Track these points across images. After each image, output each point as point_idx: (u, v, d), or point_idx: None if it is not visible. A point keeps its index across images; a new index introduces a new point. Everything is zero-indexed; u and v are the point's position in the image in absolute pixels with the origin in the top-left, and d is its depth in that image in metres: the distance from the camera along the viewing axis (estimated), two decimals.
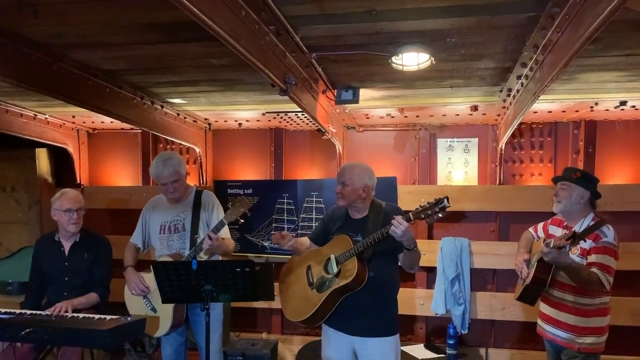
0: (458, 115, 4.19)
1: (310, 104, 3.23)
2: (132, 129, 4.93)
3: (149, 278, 3.15)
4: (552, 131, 4.36)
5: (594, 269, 2.67)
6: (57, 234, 3.42)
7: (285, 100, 2.86)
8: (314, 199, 4.43)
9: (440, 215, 2.43)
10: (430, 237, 4.44)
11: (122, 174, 5.18)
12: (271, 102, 3.88)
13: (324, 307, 2.68)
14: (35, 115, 4.30)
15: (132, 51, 2.76)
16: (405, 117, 4.29)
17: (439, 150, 4.54)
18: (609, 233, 2.74)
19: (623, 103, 3.70)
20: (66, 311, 3.03)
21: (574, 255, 2.76)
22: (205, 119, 4.68)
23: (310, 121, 4.22)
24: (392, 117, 4.31)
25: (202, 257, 3.19)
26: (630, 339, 4.00)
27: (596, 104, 3.76)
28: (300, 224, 4.46)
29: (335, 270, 2.67)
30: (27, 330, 2.62)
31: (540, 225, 3.19)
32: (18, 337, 2.66)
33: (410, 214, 2.48)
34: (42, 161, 4.86)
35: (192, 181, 4.87)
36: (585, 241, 2.70)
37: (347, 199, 2.74)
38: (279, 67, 2.55)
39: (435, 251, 4.26)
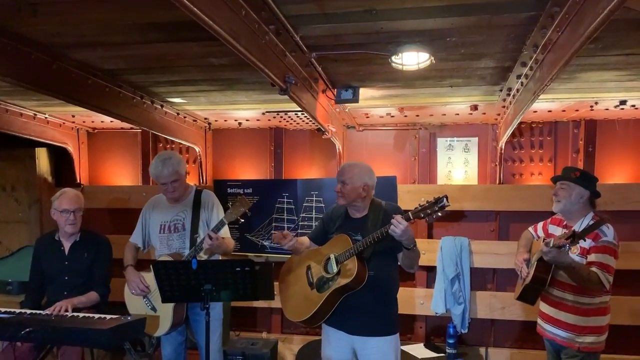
0: (458, 114, 4.19)
1: (310, 104, 3.23)
2: (132, 128, 4.93)
3: (149, 277, 3.14)
4: (552, 130, 4.36)
5: (594, 268, 2.67)
6: (57, 234, 3.42)
7: (285, 99, 2.86)
8: (314, 199, 4.43)
9: (439, 214, 2.43)
10: (430, 236, 4.44)
11: (122, 174, 5.18)
12: (271, 101, 3.88)
13: (324, 306, 2.68)
14: (35, 114, 4.30)
15: (132, 50, 2.76)
16: (405, 116, 4.29)
17: (438, 149, 4.54)
18: (608, 232, 2.74)
19: (623, 102, 3.70)
20: (66, 310, 3.03)
21: (574, 254, 2.77)
22: (205, 119, 4.67)
23: (310, 120, 4.22)
24: (392, 116, 4.31)
25: (202, 256, 3.19)
26: (630, 338, 4.00)
27: (596, 103, 3.76)
28: (300, 223, 4.46)
29: (335, 269, 2.67)
30: (27, 329, 2.62)
31: (540, 225, 3.19)
32: (18, 336, 2.67)
33: (409, 213, 2.48)
34: (42, 161, 4.86)
35: (192, 180, 4.88)
36: (584, 240, 2.70)
37: (347, 197, 2.74)
38: (278, 66, 2.54)
39: (435, 250, 4.26)
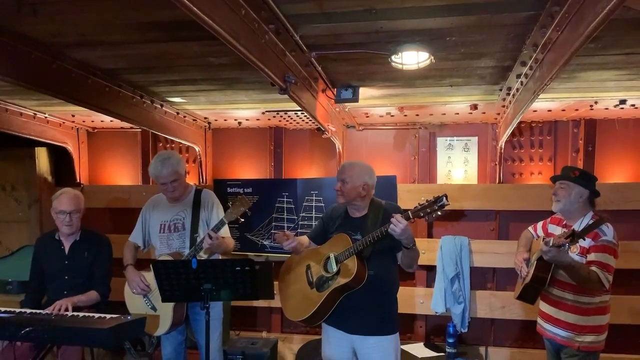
0: (458, 114, 4.19)
1: (310, 103, 3.23)
2: (131, 127, 4.93)
3: (150, 277, 3.14)
4: (551, 130, 4.36)
5: (594, 268, 2.67)
6: (58, 233, 3.42)
7: (285, 99, 2.86)
8: (314, 198, 4.43)
9: (439, 213, 2.43)
10: (430, 235, 4.44)
11: (121, 173, 5.18)
12: (271, 101, 3.88)
13: (324, 306, 2.68)
14: (35, 114, 4.30)
15: (132, 50, 2.75)
16: (405, 115, 4.29)
17: (438, 149, 4.54)
18: (608, 231, 2.74)
19: (623, 102, 3.70)
20: (66, 309, 3.04)
21: (574, 253, 2.77)
22: (205, 118, 4.67)
23: (310, 120, 4.22)
24: (392, 115, 4.31)
25: (202, 256, 3.19)
26: (630, 337, 4.00)
27: (596, 102, 3.76)
28: (300, 222, 4.46)
29: (334, 269, 2.67)
30: (27, 329, 2.62)
31: (539, 224, 3.19)
32: (18, 336, 2.66)
33: (409, 212, 2.48)
34: (42, 160, 4.86)
35: (191, 180, 4.88)
36: (584, 240, 2.70)
37: (347, 196, 2.74)
38: (278, 66, 2.54)
39: (435, 250, 4.26)
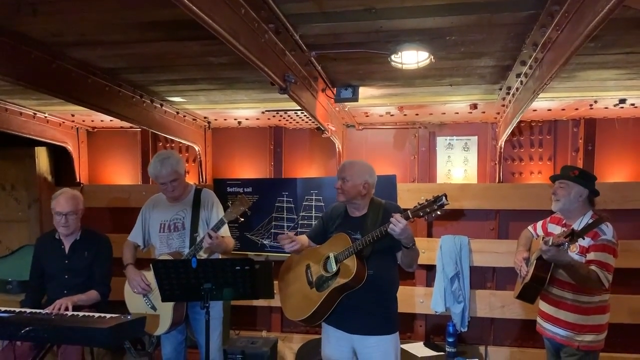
0: (457, 113, 4.19)
1: (310, 102, 3.23)
2: (131, 127, 4.93)
3: (150, 276, 3.14)
4: (551, 129, 4.36)
5: (593, 267, 2.68)
6: (58, 232, 3.42)
7: (285, 98, 2.86)
8: (314, 197, 4.43)
9: (438, 212, 2.43)
10: (429, 235, 4.44)
11: (121, 173, 5.18)
12: (270, 100, 3.88)
13: (324, 305, 2.68)
14: (35, 113, 4.30)
15: (132, 49, 2.75)
16: (405, 115, 4.29)
17: (438, 148, 4.54)
18: (607, 231, 2.74)
19: (622, 101, 3.70)
20: (66, 308, 3.04)
21: (573, 253, 2.77)
22: (205, 118, 4.67)
23: (310, 119, 4.22)
24: (392, 115, 4.31)
25: (202, 255, 3.19)
26: (630, 336, 4.01)
27: (595, 102, 3.76)
28: (299, 222, 4.46)
29: (334, 268, 2.67)
30: (27, 328, 2.62)
31: (539, 224, 3.19)
32: (18, 335, 2.66)
33: (408, 211, 2.48)
34: (42, 160, 4.86)
35: (191, 180, 4.88)
36: (584, 239, 2.70)
37: (347, 194, 2.74)
38: (278, 65, 2.54)
39: (434, 249, 4.26)
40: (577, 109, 3.99)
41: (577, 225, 2.80)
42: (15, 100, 3.96)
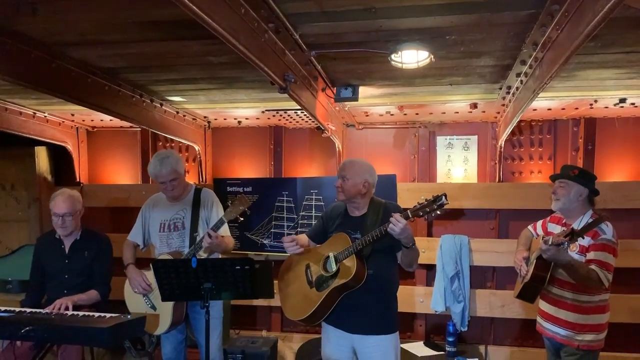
0: (457, 112, 4.19)
1: (310, 102, 3.23)
2: (131, 127, 4.93)
3: (151, 276, 3.14)
4: (551, 129, 4.36)
5: (593, 266, 2.68)
6: (57, 232, 3.42)
7: (285, 98, 2.86)
8: (314, 197, 4.43)
9: (438, 212, 2.43)
10: (429, 234, 4.44)
11: (121, 172, 5.18)
12: (270, 99, 3.87)
13: (324, 305, 2.68)
14: (35, 113, 4.30)
15: (131, 49, 2.75)
16: (405, 114, 4.29)
17: (438, 147, 4.54)
18: (607, 230, 2.74)
19: (622, 100, 3.70)
20: (66, 307, 3.04)
21: (573, 252, 2.77)
22: (205, 117, 4.67)
23: (310, 119, 4.22)
24: (392, 114, 4.31)
25: (202, 255, 3.19)
26: (630, 336, 4.00)
27: (595, 101, 3.76)
28: (299, 221, 4.46)
29: (334, 268, 2.67)
30: (27, 328, 2.62)
31: (539, 223, 3.19)
32: (18, 335, 2.66)
33: (408, 211, 2.48)
34: (42, 159, 4.86)
35: (191, 179, 4.88)
36: (583, 238, 2.70)
37: (347, 193, 2.74)
38: (278, 64, 2.54)
39: (434, 249, 4.26)
40: (577, 109, 3.99)
41: (577, 225, 2.80)
42: (15, 100, 3.96)
